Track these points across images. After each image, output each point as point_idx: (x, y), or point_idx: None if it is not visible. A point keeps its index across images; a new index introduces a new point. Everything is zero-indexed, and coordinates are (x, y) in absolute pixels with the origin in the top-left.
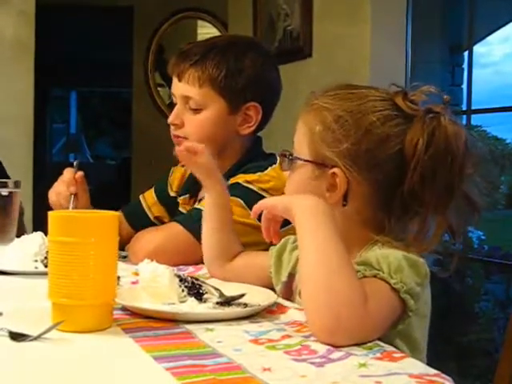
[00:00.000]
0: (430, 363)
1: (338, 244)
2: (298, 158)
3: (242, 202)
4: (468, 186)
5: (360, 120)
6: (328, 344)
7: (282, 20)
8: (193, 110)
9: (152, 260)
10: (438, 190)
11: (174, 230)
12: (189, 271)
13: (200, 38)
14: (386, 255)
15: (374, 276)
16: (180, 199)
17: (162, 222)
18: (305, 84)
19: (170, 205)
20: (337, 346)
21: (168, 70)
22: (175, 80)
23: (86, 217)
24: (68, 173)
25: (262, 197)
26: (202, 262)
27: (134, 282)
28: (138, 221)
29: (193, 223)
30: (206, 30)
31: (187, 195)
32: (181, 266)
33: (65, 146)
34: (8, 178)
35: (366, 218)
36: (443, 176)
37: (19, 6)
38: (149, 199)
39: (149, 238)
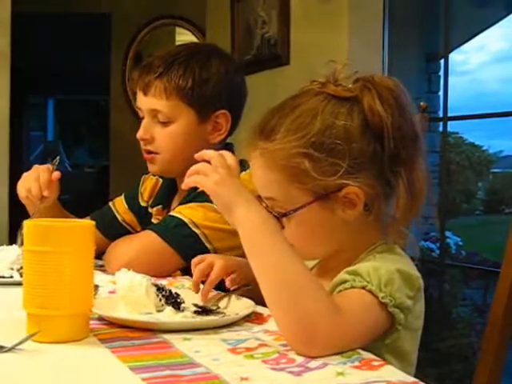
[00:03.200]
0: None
1: (294, 261)
2: (299, 208)
3: (214, 206)
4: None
5: (333, 133)
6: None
7: (259, 27)
8: (162, 124)
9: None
10: (407, 142)
11: (149, 238)
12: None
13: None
14: (378, 267)
15: (363, 287)
16: (153, 210)
17: (133, 228)
18: (283, 91)
19: (141, 214)
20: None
21: (131, 84)
22: (140, 94)
23: (61, 226)
24: (45, 173)
25: None
26: (180, 271)
27: (111, 292)
28: (109, 227)
29: (168, 231)
30: (185, 38)
31: (160, 206)
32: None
33: (42, 153)
34: None
35: (380, 216)
36: (406, 127)
37: None
38: (119, 207)
39: (123, 249)
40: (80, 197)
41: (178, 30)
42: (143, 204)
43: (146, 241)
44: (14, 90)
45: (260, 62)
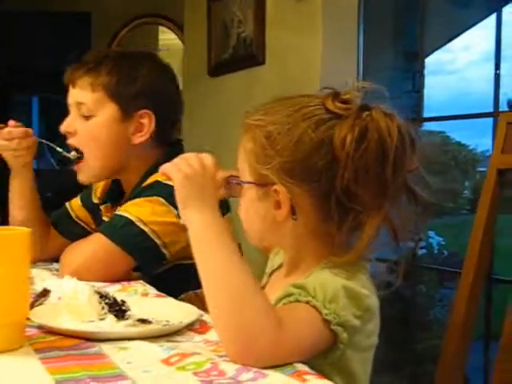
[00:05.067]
0: (384, 370)
1: (238, 266)
2: (241, 182)
3: (162, 199)
4: (412, 180)
5: (290, 131)
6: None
7: (235, 27)
8: (85, 118)
9: (79, 277)
10: (372, 186)
11: (98, 241)
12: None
13: (161, 43)
14: (325, 283)
15: (307, 302)
16: (102, 207)
17: (87, 224)
18: (259, 91)
19: (93, 210)
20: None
21: (64, 80)
22: (70, 88)
23: None
24: (9, 132)
25: None
26: (134, 271)
27: (60, 298)
28: (65, 226)
29: (115, 232)
30: (168, 36)
31: (109, 203)
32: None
33: None
34: None
35: (315, 230)
36: (376, 172)
37: None
38: (74, 205)
39: (73, 256)
40: (64, 193)
41: (162, 28)
42: (96, 201)
43: (95, 244)
44: None
45: (236, 62)
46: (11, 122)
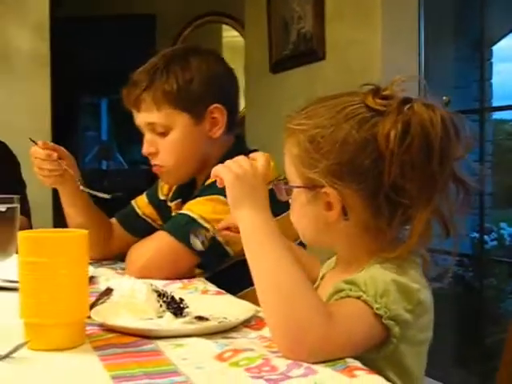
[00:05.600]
0: (454, 365)
1: (289, 264)
2: (290, 186)
3: (222, 198)
4: (458, 169)
5: (334, 133)
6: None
7: (295, 23)
8: (161, 134)
9: (144, 275)
10: (420, 180)
11: (164, 240)
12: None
13: (225, 41)
14: (375, 278)
15: (358, 297)
16: (172, 204)
17: (153, 220)
18: (320, 86)
19: (160, 207)
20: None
21: (124, 104)
22: (134, 112)
23: (54, 237)
24: (35, 151)
25: None
26: (198, 267)
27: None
28: (131, 223)
29: (179, 229)
30: (231, 33)
31: (179, 200)
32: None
33: (97, 153)
34: (23, 182)
35: (366, 228)
36: (422, 165)
37: (34, 19)
38: (140, 202)
39: (138, 253)
40: (135, 193)
41: (225, 26)
42: (162, 197)
43: (160, 242)
44: (67, 92)
45: (297, 58)
46: (40, 142)
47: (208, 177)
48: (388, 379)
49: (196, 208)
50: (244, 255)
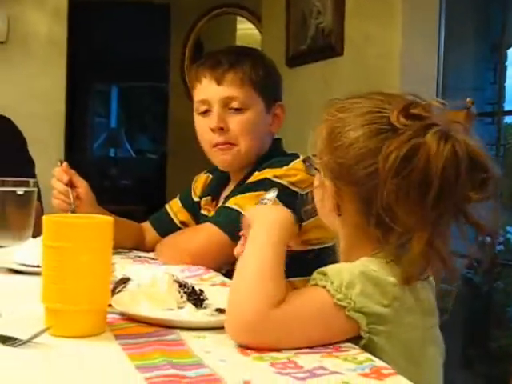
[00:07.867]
0: (459, 367)
1: (269, 253)
2: (310, 165)
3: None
4: (470, 208)
5: (348, 133)
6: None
7: (314, 17)
8: (236, 111)
9: (195, 262)
10: (413, 211)
11: (211, 231)
12: (197, 273)
13: (239, 33)
14: (343, 269)
15: (324, 287)
16: (202, 201)
17: (187, 226)
18: (336, 82)
19: (194, 210)
20: (250, 348)
21: (195, 78)
22: (213, 84)
23: (79, 222)
24: (55, 171)
25: (292, 191)
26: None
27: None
28: (164, 227)
29: (228, 224)
30: (246, 26)
31: (209, 196)
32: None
33: (106, 141)
34: (32, 161)
35: (364, 232)
36: (416, 196)
37: (52, 4)
38: (174, 206)
39: (185, 242)
40: (141, 182)
41: (240, 18)
42: (196, 199)
43: (208, 233)
44: (80, 77)
45: (314, 52)
46: (64, 164)
47: (247, 173)
48: None
49: (242, 202)
50: None
